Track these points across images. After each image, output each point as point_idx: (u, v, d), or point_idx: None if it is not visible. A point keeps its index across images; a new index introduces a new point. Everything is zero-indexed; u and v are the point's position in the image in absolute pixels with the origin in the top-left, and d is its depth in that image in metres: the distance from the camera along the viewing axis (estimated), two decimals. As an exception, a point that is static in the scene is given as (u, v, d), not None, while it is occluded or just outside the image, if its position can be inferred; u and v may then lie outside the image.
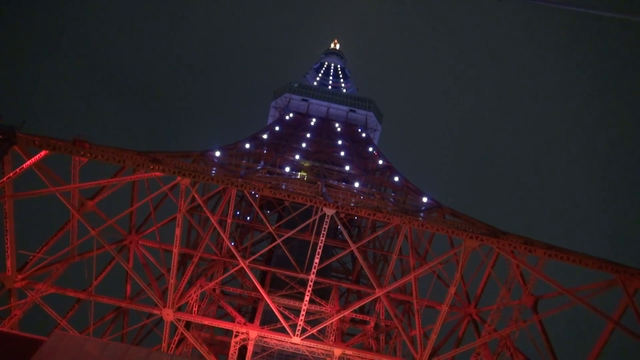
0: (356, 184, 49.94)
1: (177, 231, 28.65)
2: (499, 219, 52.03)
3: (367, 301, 34.98)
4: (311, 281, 31.07)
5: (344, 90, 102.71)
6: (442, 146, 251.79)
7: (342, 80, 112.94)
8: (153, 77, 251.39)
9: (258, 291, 33.23)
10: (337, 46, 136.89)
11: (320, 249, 30.48)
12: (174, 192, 30.00)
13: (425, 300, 36.75)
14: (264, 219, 42.96)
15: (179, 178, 28.00)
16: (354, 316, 42.39)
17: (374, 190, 47.31)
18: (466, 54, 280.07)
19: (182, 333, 32.39)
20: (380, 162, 64.38)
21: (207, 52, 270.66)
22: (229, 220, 39.74)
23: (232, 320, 33.22)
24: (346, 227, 54.03)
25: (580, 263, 26.04)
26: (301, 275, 37.36)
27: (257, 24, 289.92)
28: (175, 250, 29.00)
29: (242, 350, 37.30)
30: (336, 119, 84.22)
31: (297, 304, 37.98)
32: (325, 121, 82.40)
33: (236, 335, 33.21)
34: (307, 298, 31.02)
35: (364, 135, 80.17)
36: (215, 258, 39.47)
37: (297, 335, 31.06)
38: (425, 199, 45.07)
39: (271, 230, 37.27)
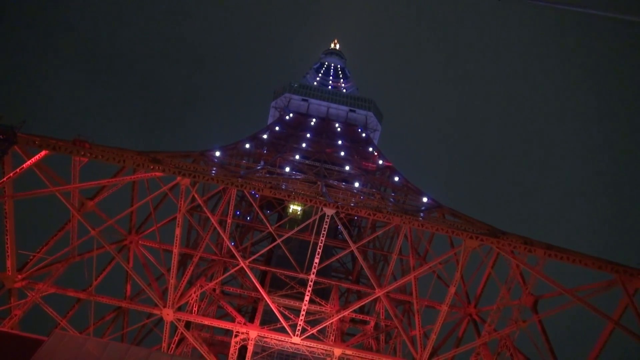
0: (356, 184, 49.93)
1: (177, 231, 28.65)
2: (499, 219, 52.02)
3: (367, 301, 34.96)
4: (311, 281, 31.07)
5: (344, 90, 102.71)
6: (442, 146, 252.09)
7: (342, 80, 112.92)
8: (153, 77, 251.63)
9: (258, 291, 33.23)
10: (337, 46, 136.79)
11: (320, 249, 30.47)
12: (174, 192, 30.01)
13: (425, 300, 36.73)
14: (264, 219, 42.95)
15: (179, 178, 28.01)
16: (354, 316, 42.40)
17: (374, 190, 47.28)
18: (466, 54, 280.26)
19: (182, 333, 32.40)
20: (380, 162, 64.39)
21: (207, 52, 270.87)
22: (229, 220, 39.74)
23: (232, 320, 33.22)
24: (346, 227, 54.01)
25: (580, 263, 26.04)
26: (301, 275, 37.35)
27: (257, 24, 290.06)
28: (175, 250, 28.99)
29: (242, 350, 37.31)
30: (336, 119, 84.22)
31: (297, 304, 37.99)
32: (325, 121, 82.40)
33: (236, 335, 33.22)
34: (307, 298, 31.02)
35: (364, 135, 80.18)
36: (215, 258, 39.46)
37: (297, 335, 31.06)
38: (425, 199, 45.07)
39: (271, 230, 37.26)
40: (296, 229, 34.27)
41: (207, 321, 32.75)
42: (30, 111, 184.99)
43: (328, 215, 29.10)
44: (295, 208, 50.89)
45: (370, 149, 71.42)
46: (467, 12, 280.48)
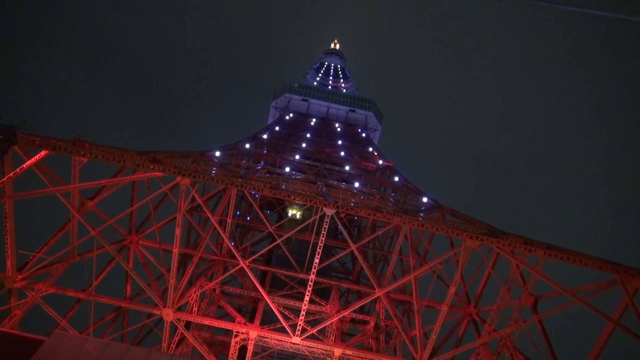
0: (356, 184, 49.95)
1: (177, 231, 28.64)
2: (499, 219, 52.01)
3: (367, 301, 34.98)
4: (311, 281, 31.07)
5: (344, 90, 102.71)
6: (442, 146, 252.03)
7: (342, 80, 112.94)
8: (154, 77, 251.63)
9: (258, 291, 33.23)
10: (337, 46, 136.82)
11: (320, 249, 30.47)
12: (174, 192, 29.99)
13: (425, 300, 36.73)
14: (264, 219, 42.95)
15: (179, 178, 28.00)
16: (354, 316, 42.40)
17: (374, 190, 47.26)
18: (466, 53, 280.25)
19: (182, 333, 32.38)
20: (380, 162, 64.40)
21: (207, 52, 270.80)
22: (229, 220, 39.72)
23: (232, 320, 33.22)
24: (346, 227, 54.01)
25: (580, 263, 26.03)
26: (301, 275, 37.36)
27: (257, 24, 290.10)
28: (175, 250, 28.99)
29: (242, 350, 37.30)
30: (336, 119, 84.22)
31: (297, 304, 37.98)
32: (325, 121, 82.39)
33: (236, 335, 33.22)
34: (307, 298, 31.02)
35: (364, 135, 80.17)
36: (215, 258, 39.46)
37: (297, 335, 31.06)
38: (425, 199, 45.07)
39: (271, 230, 37.25)
40: (296, 229, 34.28)
41: (207, 321, 32.74)
42: (30, 111, 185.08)
43: (328, 215, 29.08)
44: (294, 213, 51.19)
45: (370, 149, 71.42)
46: (467, 11, 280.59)
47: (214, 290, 42.47)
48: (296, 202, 31.22)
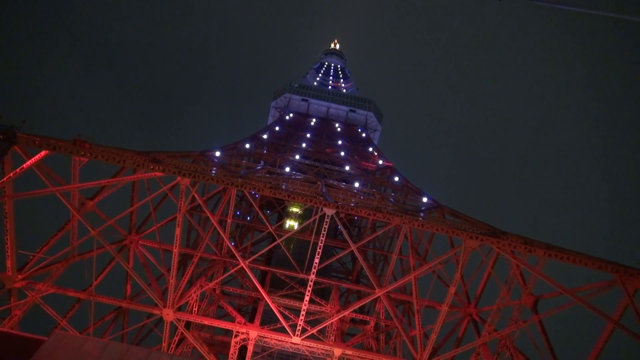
0: (356, 184, 49.94)
1: (177, 231, 28.64)
2: (499, 219, 52.03)
3: (367, 301, 34.97)
4: (311, 281, 31.06)
5: (344, 90, 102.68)
6: (442, 146, 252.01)
7: (342, 80, 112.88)
8: (154, 77, 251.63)
9: (258, 291, 33.23)
10: (337, 46, 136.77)
11: (320, 249, 30.47)
12: (174, 192, 29.99)
13: (425, 300, 36.73)
14: (264, 219, 42.95)
15: (179, 178, 28.00)
16: (354, 316, 42.39)
17: (374, 190, 47.25)
18: (466, 53, 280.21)
19: (182, 333, 32.39)
20: (381, 162, 64.39)
21: (207, 52, 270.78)
22: (229, 220, 39.73)
23: (232, 320, 33.22)
24: (346, 227, 54.00)
25: (580, 263, 26.03)
26: (301, 275, 37.35)
27: (257, 23, 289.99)
28: (175, 250, 28.99)
29: (242, 350, 37.30)
30: (336, 119, 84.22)
31: (297, 304, 37.99)
32: (325, 121, 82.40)
33: (236, 335, 33.22)
34: (307, 298, 31.01)
35: (364, 135, 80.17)
36: (215, 258, 39.46)
37: (297, 335, 31.06)
38: (425, 199, 45.07)
39: (271, 230, 37.25)
40: (296, 229, 34.30)
41: (207, 321, 32.74)
42: (30, 111, 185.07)
43: (328, 215, 29.08)
44: (292, 224, 51.58)
45: (370, 149, 71.42)
46: (467, 12, 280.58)
47: (214, 290, 42.47)
48: (295, 209, 31.21)
